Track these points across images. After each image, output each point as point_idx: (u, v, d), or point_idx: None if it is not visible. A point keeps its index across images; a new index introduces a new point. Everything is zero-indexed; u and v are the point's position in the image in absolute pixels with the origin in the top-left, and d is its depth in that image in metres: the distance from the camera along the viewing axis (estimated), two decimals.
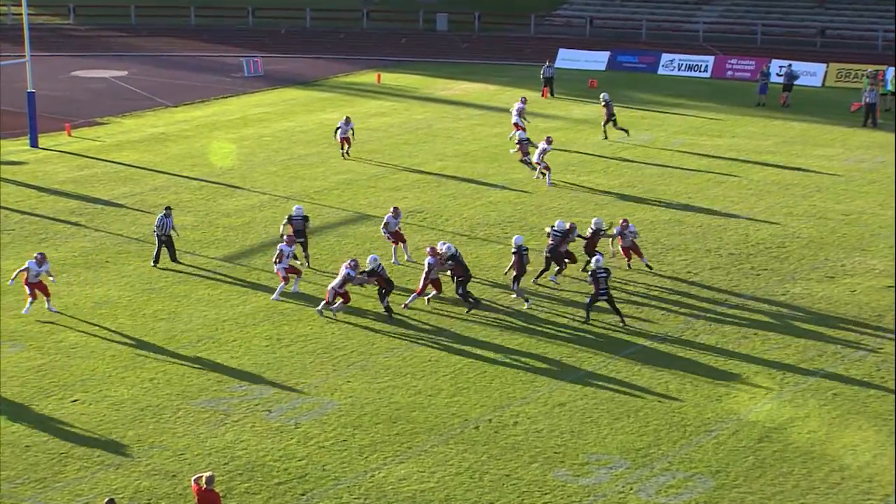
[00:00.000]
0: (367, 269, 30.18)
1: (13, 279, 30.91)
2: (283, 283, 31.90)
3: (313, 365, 27.87)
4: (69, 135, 48.89)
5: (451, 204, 40.01)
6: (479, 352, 28.63)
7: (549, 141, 42.30)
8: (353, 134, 45.41)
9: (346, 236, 36.54)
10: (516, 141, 43.69)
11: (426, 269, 30.76)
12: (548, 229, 32.96)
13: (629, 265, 33.55)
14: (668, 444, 24.29)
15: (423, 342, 29.18)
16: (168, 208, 34.17)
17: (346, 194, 41.07)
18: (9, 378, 27.11)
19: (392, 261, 33.90)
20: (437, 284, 31.16)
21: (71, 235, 36.80)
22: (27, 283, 30.51)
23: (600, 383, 26.96)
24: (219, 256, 35.11)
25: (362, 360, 28.14)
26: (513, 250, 31.43)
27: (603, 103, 48.32)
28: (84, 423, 25.10)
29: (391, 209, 34.71)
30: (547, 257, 32.62)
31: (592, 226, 33.42)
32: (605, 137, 48.11)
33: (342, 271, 30.13)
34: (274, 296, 31.70)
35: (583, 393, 26.50)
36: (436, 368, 27.71)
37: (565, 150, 46.60)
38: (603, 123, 48.35)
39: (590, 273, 30.29)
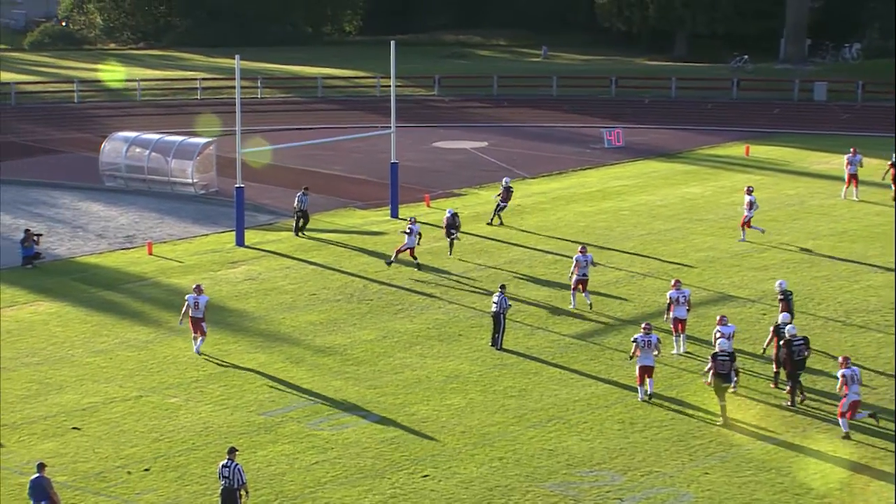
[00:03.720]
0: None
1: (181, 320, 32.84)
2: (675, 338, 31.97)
3: (668, 453, 26.38)
4: (428, 206, 49.41)
5: (823, 286, 37.46)
6: (853, 448, 26.19)
7: (749, 191, 42.70)
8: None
9: (705, 318, 34.58)
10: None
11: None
12: None
13: None
14: None
15: (786, 434, 27.13)
16: (502, 286, 33.77)
17: (708, 272, 39.22)
18: (363, 449, 26.97)
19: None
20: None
21: (426, 307, 36.74)
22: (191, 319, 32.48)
23: None
24: (570, 333, 34.10)
25: (722, 450, 26.45)
26: (779, 297, 32.08)
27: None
28: (433, 499, 24.66)
29: (579, 249, 36.19)
30: None
31: None
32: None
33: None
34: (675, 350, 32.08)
35: None
36: (803, 465, 25.69)
37: None
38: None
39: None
